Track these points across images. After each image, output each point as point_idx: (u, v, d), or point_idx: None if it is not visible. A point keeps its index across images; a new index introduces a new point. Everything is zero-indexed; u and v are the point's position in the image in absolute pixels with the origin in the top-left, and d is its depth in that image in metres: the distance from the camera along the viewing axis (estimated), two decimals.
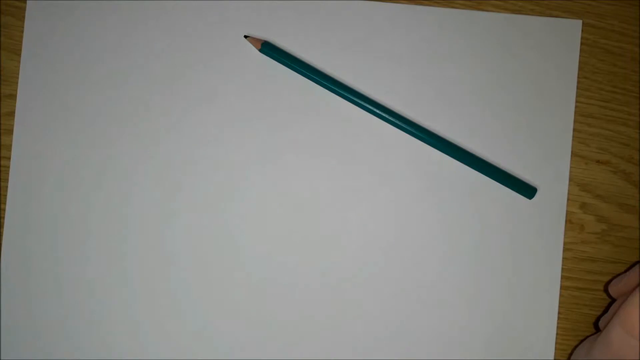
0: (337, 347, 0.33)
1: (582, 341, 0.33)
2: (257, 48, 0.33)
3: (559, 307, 0.34)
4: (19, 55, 0.34)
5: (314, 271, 0.33)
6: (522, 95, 0.34)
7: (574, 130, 0.34)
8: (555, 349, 0.33)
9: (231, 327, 0.33)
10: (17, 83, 0.34)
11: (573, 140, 0.34)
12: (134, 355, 0.33)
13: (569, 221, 0.34)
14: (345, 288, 0.33)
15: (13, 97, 0.34)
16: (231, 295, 0.33)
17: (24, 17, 0.34)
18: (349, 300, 0.33)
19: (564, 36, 0.34)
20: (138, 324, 0.33)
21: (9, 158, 0.34)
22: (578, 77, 0.34)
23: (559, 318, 0.34)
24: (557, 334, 0.34)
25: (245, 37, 0.34)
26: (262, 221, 0.33)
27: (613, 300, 0.33)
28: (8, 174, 0.33)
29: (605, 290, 0.34)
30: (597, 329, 0.34)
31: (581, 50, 0.34)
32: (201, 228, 0.33)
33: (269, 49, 0.33)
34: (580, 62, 0.34)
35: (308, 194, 0.33)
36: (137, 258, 0.33)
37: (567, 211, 0.34)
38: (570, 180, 0.34)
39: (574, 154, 0.34)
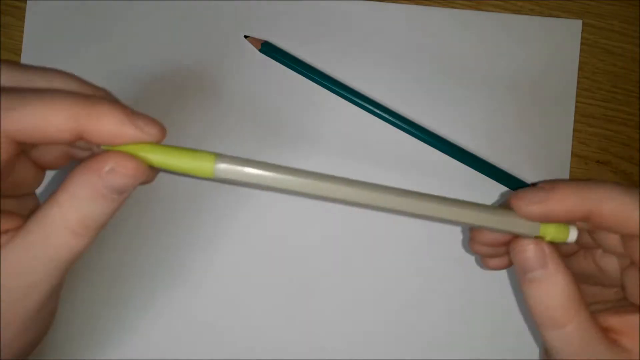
0: (335, 346, 0.33)
1: None
2: (257, 48, 0.33)
3: None
4: (19, 55, 0.34)
5: (312, 272, 0.33)
6: (522, 95, 0.34)
7: (574, 130, 0.34)
8: None
9: (228, 326, 0.33)
10: None
11: (573, 140, 0.34)
12: (134, 355, 0.33)
13: None
14: (344, 286, 0.33)
15: None
16: (230, 297, 0.33)
17: (24, 17, 0.34)
18: (348, 300, 0.33)
19: (564, 36, 0.34)
20: (136, 324, 0.33)
21: None
22: (578, 77, 0.34)
23: None
24: None
25: (245, 37, 0.34)
26: (260, 221, 0.33)
27: None
28: None
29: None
30: None
31: (581, 50, 0.34)
32: (200, 226, 0.33)
33: (269, 49, 0.33)
34: (580, 62, 0.34)
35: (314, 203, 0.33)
36: (136, 256, 0.33)
37: None
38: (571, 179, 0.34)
39: (574, 154, 0.34)
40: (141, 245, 0.33)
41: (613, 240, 0.25)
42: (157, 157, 0.20)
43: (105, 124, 0.19)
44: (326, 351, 0.33)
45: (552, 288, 0.23)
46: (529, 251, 0.23)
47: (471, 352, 0.33)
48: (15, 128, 0.18)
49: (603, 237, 0.25)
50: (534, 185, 0.25)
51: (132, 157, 0.19)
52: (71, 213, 0.19)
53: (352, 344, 0.33)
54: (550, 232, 0.24)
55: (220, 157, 0.21)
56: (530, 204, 0.23)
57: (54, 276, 0.19)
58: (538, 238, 0.24)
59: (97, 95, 0.20)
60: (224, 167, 0.21)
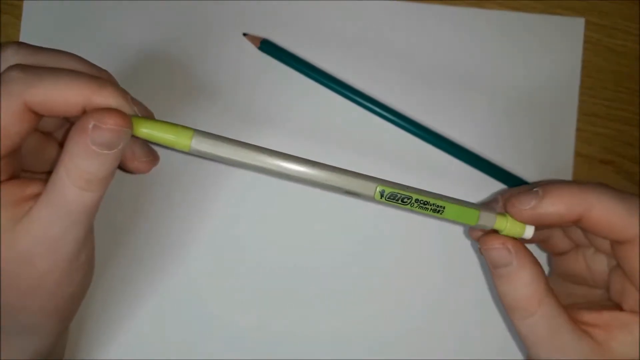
0: (338, 346, 0.33)
1: None
2: (256, 46, 0.33)
3: None
4: None
5: (312, 271, 0.33)
6: (525, 93, 0.34)
7: (577, 129, 0.34)
8: None
9: (227, 323, 0.33)
10: None
11: (576, 139, 0.34)
12: (134, 356, 0.33)
13: None
14: (344, 286, 0.33)
15: None
16: (230, 294, 0.33)
17: (21, 15, 0.34)
18: (348, 299, 0.33)
19: (566, 34, 0.34)
20: (136, 323, 0.33)
21: None
22: (581, 76, 0.34)
23: None
24: None
25: (244, 34, 0.33)
26: (258, 220, 0.33)
27: None
28: None
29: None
30: None
31: (584, 49, 0.34)
32: (199, 224, 0.33)
33: (268, 46, 0.33)
34: (583, 60, 0.34)
35: (306, 192, 0.33)
36: (135, 254, 0.33)
37: None
38: (573, 179, 0.34)
39: (577, 154, 0.34)
40: (136, 245, 0.33)
41: (605, 240, 0.26)
42: (142, 127, 0.22)
43: (108, 105, 0.21)
44: (316, 346, 0.33)
45: (517, 282, 0.24)
46: (495, 249, 0.24)
47: (465, 352, 0.33)
48: (35, 100, 0.21)
49: (595, 236, 0.26)
50: (525, 184, 0.25)
51: (111, 113, 0.21)
52: (72, 170, 0.21)
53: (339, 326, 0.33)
54: (507, 226, 0.25)
55: (197, 131, 0.23)
56: (523, 209, 0.25)
57: (74, 229, 0.22)
58: (501, 235, 0.25)
59: (103, 78, 0.23)
60: (200, 140, 0.23)
